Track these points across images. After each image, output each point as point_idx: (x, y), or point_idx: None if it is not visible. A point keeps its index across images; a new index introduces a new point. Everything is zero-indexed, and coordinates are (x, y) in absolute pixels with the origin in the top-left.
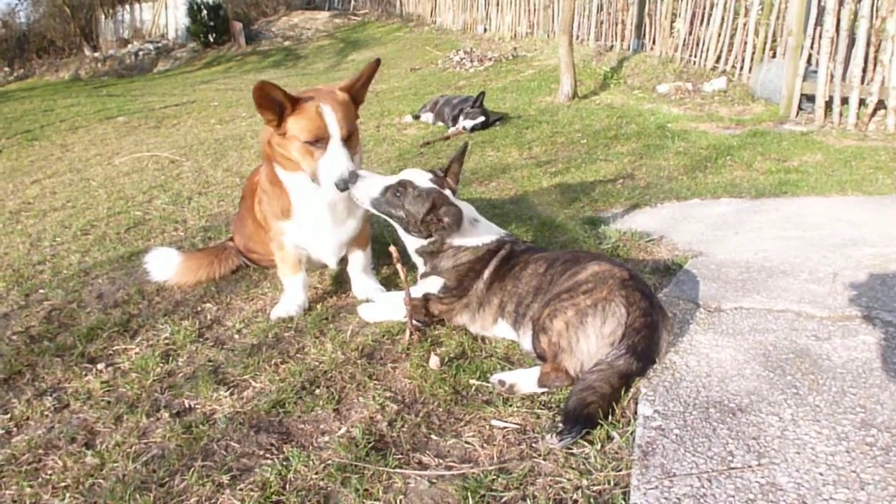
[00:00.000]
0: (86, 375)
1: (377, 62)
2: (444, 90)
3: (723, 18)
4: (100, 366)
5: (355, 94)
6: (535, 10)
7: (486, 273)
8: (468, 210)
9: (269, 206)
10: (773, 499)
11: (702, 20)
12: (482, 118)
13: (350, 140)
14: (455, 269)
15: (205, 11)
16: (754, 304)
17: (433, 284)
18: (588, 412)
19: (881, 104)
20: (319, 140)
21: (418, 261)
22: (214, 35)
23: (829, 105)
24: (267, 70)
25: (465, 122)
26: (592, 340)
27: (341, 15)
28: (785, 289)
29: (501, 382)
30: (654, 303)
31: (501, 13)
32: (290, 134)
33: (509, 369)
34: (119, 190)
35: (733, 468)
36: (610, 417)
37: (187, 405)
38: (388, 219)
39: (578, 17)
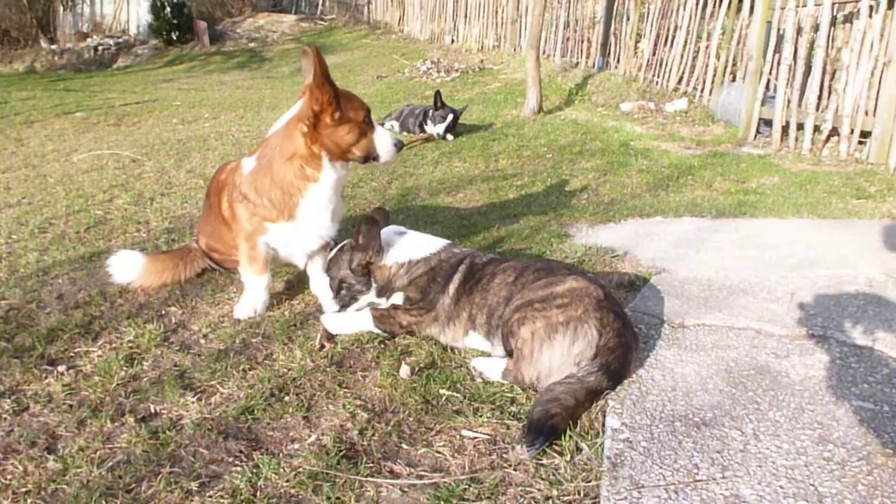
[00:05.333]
0: (46, 378)
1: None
2: (410, 99)
3: (685, 41)
4: (61, 368)
5: None
6: (502, 23)
7: (451, 288)
8: (388, 229)
9: (261, 209)
10: None
11: (665, 42)
12: (451, 116)
13: None
14: (414, 283)
15: (168, 8)
16: (716, 322)
17: (397, 297)
18: (552, 423)
19: (835, 131)
20: (370, 117)
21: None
22: (178, 33)
23: (785, 130)
24: (231, 71)
25: (437, 128)
26: (556, 357)
27: (308, 19)
28: (745, 307)
29: (475, 368)
30: (627, 323)
31: (469, 25)
32: (346, 117)
33: (480, 375)
34: (78, 188)
35: (699, 480)
36: (578, 429)
37: (153, 410)
38: (355, 296)
39: (546, 33)
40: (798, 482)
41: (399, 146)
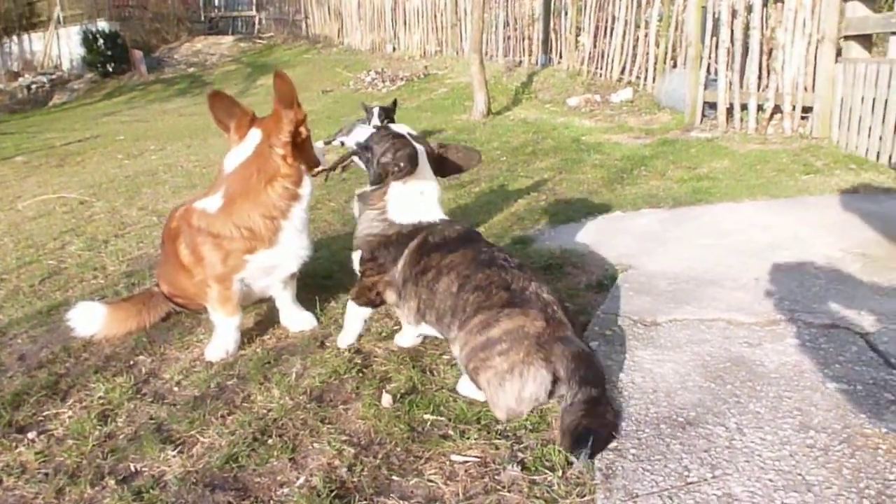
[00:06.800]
0: (17, 447)
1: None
2: (359, 112)
3: (624, 31)
4: (31, 435)
5: None
6: (442, 28)
7: (400, 264)
8: (426, 183)
9: (240, 243)
10: None
11: (605, 33)
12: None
13: None
14: (365, 240)
15: (101, 40)
16: (687, 315)
17: (355, 257)
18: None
19: (778, 109)
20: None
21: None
22: (113, 64)
23: (730, 111)
24: (173, 99)
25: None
26: (512, 400)
27: (246, 39)
28: (713, 297)
29: (460, 393)
30: (577, 333)
31: (409, 32)
32: (305, 135)
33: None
34: (27, 237)
35: (691, 483)
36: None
37: (133, 469)
38: (364, 165)
39: (486, 34)
40: (786, 473)
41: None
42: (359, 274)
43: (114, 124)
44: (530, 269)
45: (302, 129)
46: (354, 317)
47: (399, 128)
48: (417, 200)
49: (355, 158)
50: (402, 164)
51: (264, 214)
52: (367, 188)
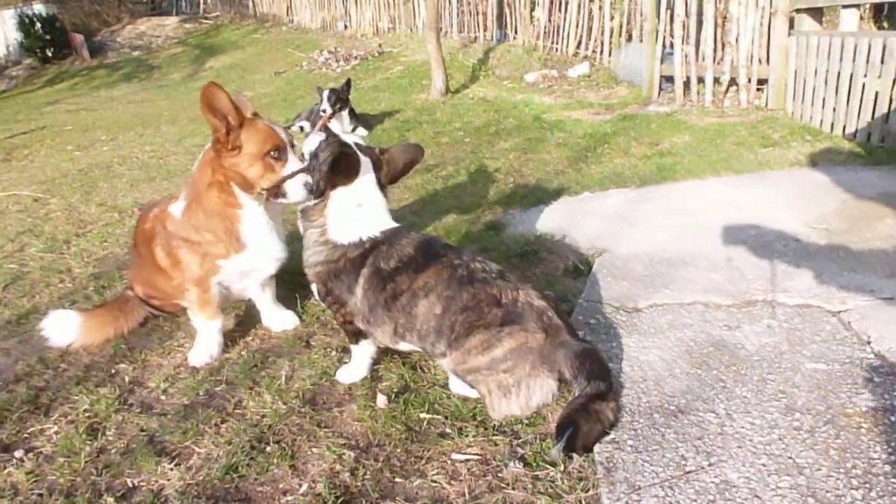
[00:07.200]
0: (5, 468)
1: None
2: (314, 94)
3: (579, 5)
4: (18, 454)
5: None
6: (395, 4)
7: (358, 292)
8: (369, 194)
9: (209, 247)
10: (730, 496)
11: (560, 7)
12: (327, 94)
13: None
14: (315, 271)
15: (38, 24)
16: (666, 300)
17: (314, 290)
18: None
19: (733, 81)
20: (279, 151)
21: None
22: (53, 49)
23: (687, 85)
24: (119, 85)
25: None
26: (517, 409)
27: (191, 19)
28: (689, 280)
29: (453, 391)
30: (574, 336)
31: (361, 9)
32: (247, 149)
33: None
34: None
35: (689, 472)
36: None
37: (131, 484)
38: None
39: (440, 10)
40: (777, 457)
41: (310, 186)
42: (327, 309)
43: (59, 114)
44: (511, 276)
45: (223, 145)
46: (361, 353)
47: (348, 137)
48: (357, 213)
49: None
50: (341, 171)
51: (220, 217)
52: (309, 202)
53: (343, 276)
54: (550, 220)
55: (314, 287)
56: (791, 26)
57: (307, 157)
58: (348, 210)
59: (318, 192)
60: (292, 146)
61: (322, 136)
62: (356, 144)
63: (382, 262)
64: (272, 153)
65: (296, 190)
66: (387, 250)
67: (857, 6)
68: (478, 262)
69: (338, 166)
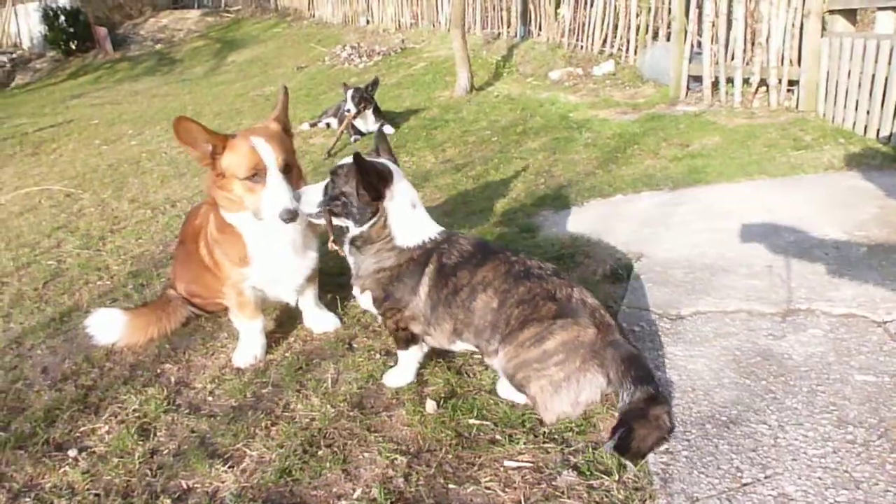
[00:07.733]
0: (60, 467)
1: (285, 90)
2: (337, 89)
3: (605, 2)
4: (72, 453)
5: (285, 124)
6: (417, 0)
7: (422, 291)
8: (411, 192)
9: (224, 255)
10: None
11: (585, 4)
12: (352, 92)
13: (290, 172)
14: (375, 278)
15: (62, 17)
16: (709, 308)
17: (366, 302)
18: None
19: (763, 82)
20: (257, 174)
21: (351, 262)
22: (76, 42)
23: (715, 85)
24: (142, 78)
25: (368, 126)
26: (567, 405)
27: (213, 13)
28: (730, 287)
29: (500, 395)
30: (625, 337)
31: (383, 4)
32: (228, 172)
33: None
34: (17, 235)
35: (746, 484)
36: None
37: (186, 486)
38: (341, 221)
39: (465, 7)
40: (833, 471)
41: (289, 213)
42: (379, 316)
43: (84, 107)
44: (565, 274)
45: (210, 167)
46: (409, 358)
47: (347, 159)
48: (415, 216)
49: (325, 220)
50: (371, 177)
51: (227, 234)
52: (357, 230)
53: (406, 277)
54: (584, 223)
55: (366, 296)
56: (823, 27)
57: (319, 210)
58: (407, 213)
59: (363, 215)
60: (288, 170)
61: (318, 188)
62: (366, 158)
63: (445, 258)
64: (251, 177)
65: (269, 211)
66: (448, 248)
67: (894, 8)
68: (533, 260)
69: (367, 175)
